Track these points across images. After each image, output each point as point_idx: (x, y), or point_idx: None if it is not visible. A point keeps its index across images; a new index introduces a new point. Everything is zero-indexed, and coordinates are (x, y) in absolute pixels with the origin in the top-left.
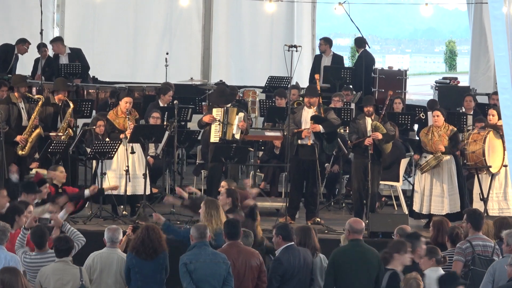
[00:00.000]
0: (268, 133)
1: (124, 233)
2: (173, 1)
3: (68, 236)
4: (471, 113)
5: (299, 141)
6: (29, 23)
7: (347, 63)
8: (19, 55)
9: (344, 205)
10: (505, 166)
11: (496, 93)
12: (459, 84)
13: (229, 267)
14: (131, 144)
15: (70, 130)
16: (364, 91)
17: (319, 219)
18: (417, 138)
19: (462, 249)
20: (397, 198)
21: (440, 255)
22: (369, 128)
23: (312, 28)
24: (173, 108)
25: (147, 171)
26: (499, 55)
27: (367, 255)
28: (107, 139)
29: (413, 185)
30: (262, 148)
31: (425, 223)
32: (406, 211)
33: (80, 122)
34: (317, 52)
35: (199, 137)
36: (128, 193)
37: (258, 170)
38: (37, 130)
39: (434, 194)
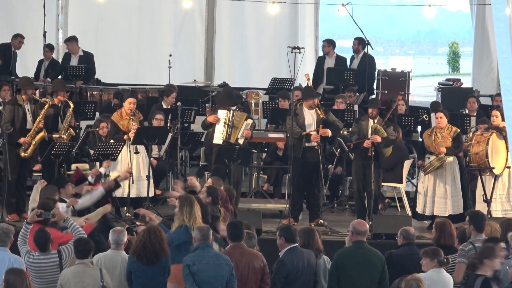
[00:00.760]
0: (271, 135)
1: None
2: (176, 3)
3: (87, 237)
4: (474, 114)
5: (307, 144)
6: (33, 25)
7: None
8: (16, 51)
9: (347, 206)
10: (508, 167)
11: (499, 94)
12: (462, 86)
13: (232, 268)
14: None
15: (72, 130)
16: (367, 93)
17: (322, 221)
18: (420, 139)
19: (465, 251)
20: (400, 199)
21: (442, 256)
22: (370, 130)
23: (315, 29)
24: (176, 110)
25: (150, 173)
26: (502, 56)
27: (370, 256)
28: (112, 141)
29: (416, 187)
30: (265, 149)
31: (428, 225)
32: (409, 212)
33: (84, 124)
34: (320, 53)
35: (203, 139)
36: (133, 195)
37: (261, 172)
38: (41, 133)
39: (437, 195)
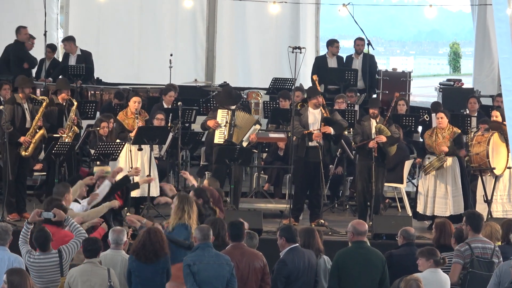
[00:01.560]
0: (272, 135)
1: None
2: (177, 3)
3: (96, 237)
4: (475, 115)
5: (310, 143)
6: (33, 25)
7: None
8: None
9: (348, 207)
10: (509, 168)
11: (500, 95)
12: (463, 86)
13: (233, 268)
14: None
15: (76, 127)
16: (368, 93)
17: (323, 221)
18: (421, 140)
19: (461, 251)
20: (401, 200)
21: (438, 256)
22: (373, 130)
23: (316, 29)
24: (177, 110)
25: (156, 173)
26: (503, 57)
27: (371, 257)
28: (118, 140)
29: (417, 187)
30: (266, 149)
31: (429, 225)
32: (410, 212)
33: (84, 123)
34: (321, 53)
35: (203, 139)
36: (136, 195)
37: (262, 172)
38: (41, 132)
39: (437, 195)
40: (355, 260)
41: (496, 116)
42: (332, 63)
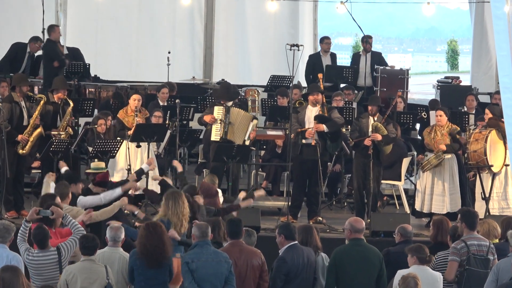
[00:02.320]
0: (270, 132)
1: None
2: (175, 1)
3: (94, 235)
4: (473, 112)
5: (304, 141)
6: (31, 23)
7: (347, 62)
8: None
9: (346, 204)
10: (507, 165)
11: (498, 92)
12: (461, 84)
13: (231, 266)
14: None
15: (70, 128)
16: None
17: (321, 218)
18: (419, 137)
19: (457, 249)
20: (399, 197)
21: (425, 254)
22: (370, 128)
23: (314, 27)
24: (175, 107)
25: (157, 170)
26: (501, 54)
27: (368, 254)
28: (118, 138)
29: (415, 184)
30: (264, 147)
31: (427, 222)
32: (407, 210)
33: (82, 121)
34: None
35: (201, 136)
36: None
37: (260, 169)
38: (38, 130)
39: (435, 193)
40: (353, 257)
41: (487, 113)
42: (326, 60)
